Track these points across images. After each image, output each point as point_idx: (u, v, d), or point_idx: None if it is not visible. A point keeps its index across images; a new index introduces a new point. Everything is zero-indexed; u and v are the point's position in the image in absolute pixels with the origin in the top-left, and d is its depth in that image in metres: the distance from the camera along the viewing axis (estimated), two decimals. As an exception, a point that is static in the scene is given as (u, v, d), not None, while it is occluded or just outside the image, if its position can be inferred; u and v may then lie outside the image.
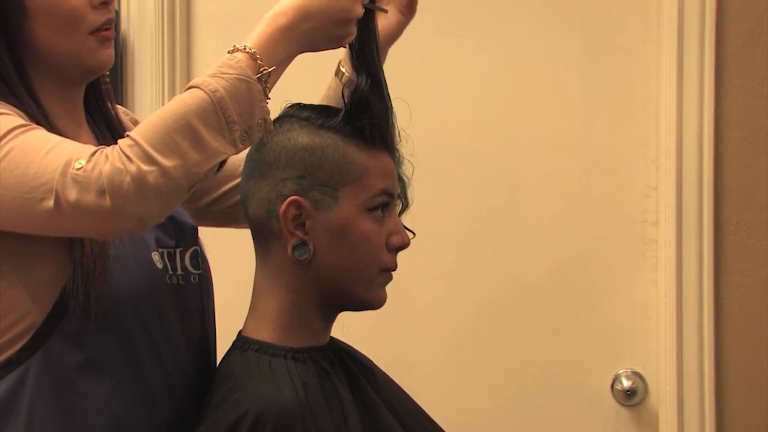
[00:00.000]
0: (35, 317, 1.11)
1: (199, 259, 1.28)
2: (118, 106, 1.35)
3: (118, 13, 2.05)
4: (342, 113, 1.21)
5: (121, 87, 2.06)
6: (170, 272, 1.23)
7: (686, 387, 1.90)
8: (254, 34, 1.10)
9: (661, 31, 1.92)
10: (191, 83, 1.06)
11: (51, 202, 1.00)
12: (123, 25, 2.07)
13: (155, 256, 1.21)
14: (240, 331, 1.25)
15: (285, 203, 1.18)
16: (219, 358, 1.27)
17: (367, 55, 1.22)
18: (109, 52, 1.20)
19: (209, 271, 1.32)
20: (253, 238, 1.25)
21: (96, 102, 1.28)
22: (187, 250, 1.26)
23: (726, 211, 1.90)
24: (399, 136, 1.26)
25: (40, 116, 1.14)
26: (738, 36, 1.88)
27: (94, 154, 1.01)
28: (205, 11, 2.10)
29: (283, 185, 1.19)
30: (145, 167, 0.99)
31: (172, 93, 2.04)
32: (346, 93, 1.23)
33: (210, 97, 1.03)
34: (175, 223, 1.26)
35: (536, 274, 2.00)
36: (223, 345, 1.28)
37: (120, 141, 1.02)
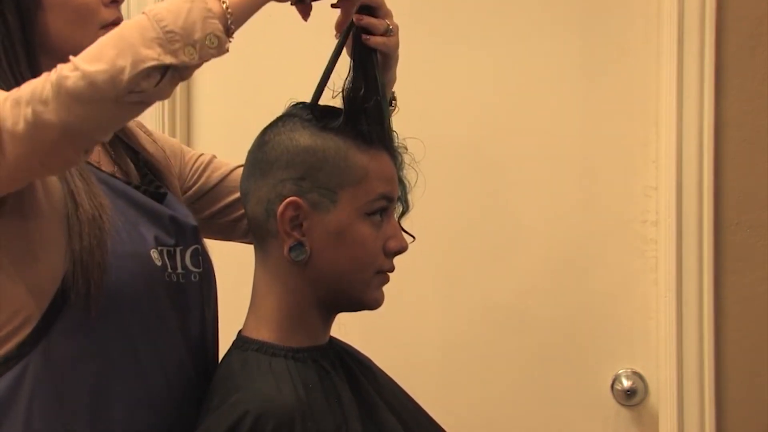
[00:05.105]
0: (34, 311, 1.11)
1: (201, 258, 1.28)
2: None
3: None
4: (342, 115, 1.20)
5: (121, 87, 2.05)
6: (169, 270, 1.23)
7: (686, 387, 1.90)
8: None
9: (661, 31, 1.92)
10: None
11: None
12: (123, 25, 2.07)
13: (154, 254, 1.21)
14: (240, 331, 1.25)
15: (283, 204, 1.18)
16: (219, 357, 1.27)
17: (365, 57, 1.22)
18: None
19: (212, 269, 1.32)
20: (253, 237, 1.25)
21: None
22: (187, 249, 1.26)
23: (726, 211, 1.90)
24: (397, 139, 1.26)
25: None
26: (738, 36, 1.88)
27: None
28: (205, 11, 2.10)
29: (283, 186, 1.18)
30: (65, 72, 1.00)
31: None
32: (345, 95, 1.23)
33: (146, 14, 1.04)
34: (175, 222, 1.26)
35: (536, 274, 2.00)
36: (223, 345, 1.28)
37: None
